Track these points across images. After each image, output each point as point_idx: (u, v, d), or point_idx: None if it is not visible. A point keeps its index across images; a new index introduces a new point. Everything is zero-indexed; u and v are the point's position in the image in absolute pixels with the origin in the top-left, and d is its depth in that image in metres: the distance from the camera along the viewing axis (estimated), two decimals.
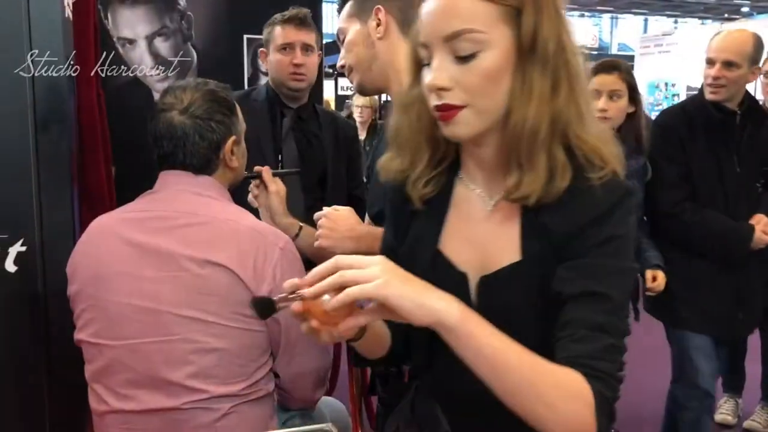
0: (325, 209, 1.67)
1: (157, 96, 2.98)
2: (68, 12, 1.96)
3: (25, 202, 1.69)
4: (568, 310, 1.01)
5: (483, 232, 1.12)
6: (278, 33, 2.38)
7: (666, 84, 8.89)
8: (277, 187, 1.82)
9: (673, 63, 8.77)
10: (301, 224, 1.82)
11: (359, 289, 0.86)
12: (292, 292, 0.90)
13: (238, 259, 1.41)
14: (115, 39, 2.98)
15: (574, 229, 1.03)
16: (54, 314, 1.70)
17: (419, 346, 1.19)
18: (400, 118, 1.15)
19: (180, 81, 1.54)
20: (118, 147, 2.62)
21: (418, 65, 1.10)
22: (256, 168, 1.81)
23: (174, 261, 1.41)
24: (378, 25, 1.62)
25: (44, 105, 1.71)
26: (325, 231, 1.63)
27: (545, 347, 0.98)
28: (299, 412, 1.69)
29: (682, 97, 8.61)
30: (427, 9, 1.04)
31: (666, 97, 8.91)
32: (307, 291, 0.89)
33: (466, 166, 1.16)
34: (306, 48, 2.38)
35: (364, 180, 2.49)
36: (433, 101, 1.04)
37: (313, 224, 1.69)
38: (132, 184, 1.63)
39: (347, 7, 1.70)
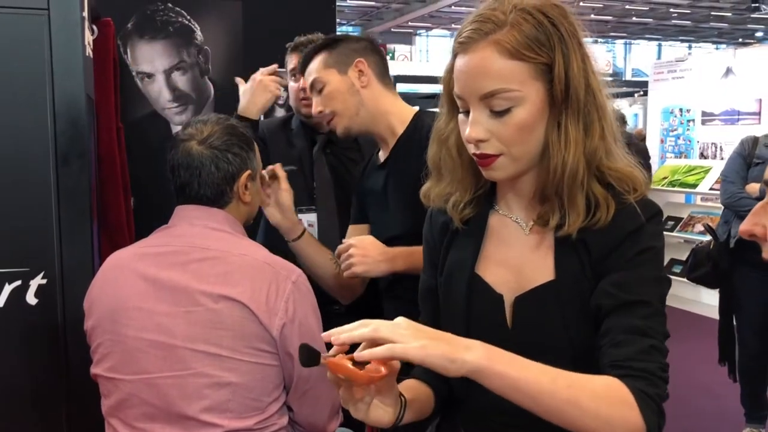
0: (347, 240, 1.76)
1: (175, 129, 3.04)
2: (89, 50, 2.02)
3: (46, 235, 1.73)
4: (609, 320, 1.06)
5: (518, 255, 1.17)
6: (288, 60, 2.41)
7: (681, 110, 8.87)
8: (288, 185, 1.90)
9: (688, 88, 8.77)
10: (305, 228, 1.92)
11: (402, 349, 0.91)
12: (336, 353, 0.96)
13: (251, 294, 1.43)
14: (134, 73, 3.04)
15: (612, 244, 1.09)
16: (73, 346, 1.73)
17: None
18: (440, 150, 1.22)
19: (202, 116, 1.59)
20: (137, 179, 2.67)
21: (452, 103, 1.16)
22: (269, 167, 1.88)
23: (188, 296, 1.43)
24: (361, 75, 1.79)
25: (65, 140, 1.75)
26: (358, 258, 1.71)
27: (579, 363, 1.02)
28: None
29: (697, 123, 8.60)
30: (460, 67, 1.10)
31: (681, 123, 8.90)
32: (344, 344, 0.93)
33: (502, 194, 1.22)
34: None
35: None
36: (472, 150, 1.12)
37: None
38: (150, 215, 1.67)
39: (320, 58, 1.83)
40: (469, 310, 1.17)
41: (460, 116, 1.13)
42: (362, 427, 2.23)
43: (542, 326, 1.12)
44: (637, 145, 2.38)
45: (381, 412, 1.03)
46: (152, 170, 2.29)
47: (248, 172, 1.56)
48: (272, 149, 2.34)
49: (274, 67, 2.38)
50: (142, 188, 2.77)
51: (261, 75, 2.29)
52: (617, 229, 1.09)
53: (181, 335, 1.42)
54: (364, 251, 1.71)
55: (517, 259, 1.17)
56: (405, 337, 0.91)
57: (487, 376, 0.93)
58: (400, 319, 0.95)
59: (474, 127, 1.09)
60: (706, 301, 6.44)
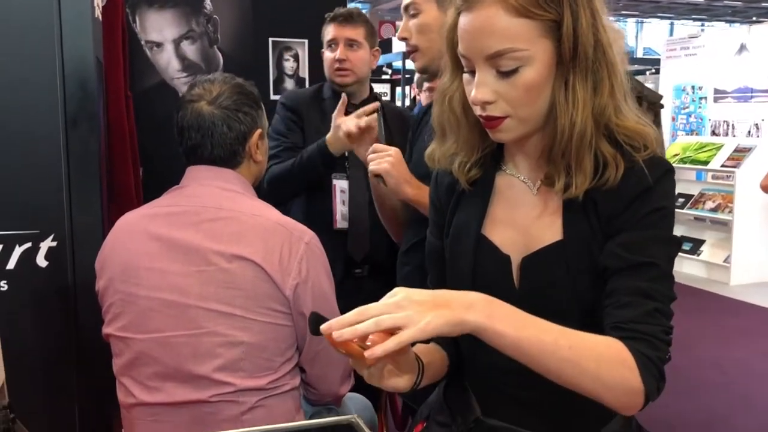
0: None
1: None
2: (98, 13, 2.00)
3: (56, 198, 1.72)
4: (615, 281, 1.04)
5: (525, 216, 1.14)
6: (325, 31, 2.42)
7: (693, 87, 8.78)
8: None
9: (700, 66, 8.66)
10: None
11: (409, 336, 0.88)
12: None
13: (264, 254, 1.42)
14: (143, 42, 3.01)
15: (622, 204, 1.06)
16: (83, 308, 1.72)
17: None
18: (444, 109, 1.18)
19: (207, 75, 1.56)
20: (145, 149, 2.66)
21: (457, 61, 1.12)
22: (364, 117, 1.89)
23: (201, 255, 1.42)
24: None
25: (74, 103, 1.74)
26: (390, 163, 1.71)
27: (586, 323, 1.01)
28: (325, 407, 1.69)
29: (709, 101, 8.51)
30: (464, 26, 1.06)
31: (693, 101, 8.81)
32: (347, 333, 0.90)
33: (509, 154, 1.18)
34: (350, 43, 2.37)
35: None
36: (478, 112, 1.08)
37: None
38: (159, 186, 1.65)
39: None
40: (476, 271, 1.15)
41: (465, 76, 1.09)
42: (375, 390, 2.24)
43: (550, 287, 1.10)
44: (648, 97, 2.27)
45: (397, 378, 1.01)
46: (161, 141, 2.27)
47: (259, 130, 1.54)
48: (307, 121, 2.37)
49: (374, 105, 2.02)
50: (150, 159, 2.76)
51: (354, 125, 1.96)
52: (627, 188, 1.06)
53: (194, 294, 1.41)
54: (399, 163, 1.72)
55: (524, 219, 1.14)
56: (408, 318, 0.88)
57: (488, 335, 0.92)
58: (399, 296, 0.91)
59: (480, 88, 1.05)
60: (714, 278, 6.42)
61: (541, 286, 1.10)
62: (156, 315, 1.43)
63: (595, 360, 0.95)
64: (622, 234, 1.05)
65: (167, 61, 3.08)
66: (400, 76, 8.43)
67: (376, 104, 1.98)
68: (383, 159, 1.72)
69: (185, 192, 1.51)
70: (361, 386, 1.72)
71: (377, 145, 1.77)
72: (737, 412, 3.58)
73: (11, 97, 1.69)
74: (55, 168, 1.71)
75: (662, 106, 2.50)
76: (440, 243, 1.24)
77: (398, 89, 8.40)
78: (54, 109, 1.72)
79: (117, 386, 1.51)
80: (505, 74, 1.03)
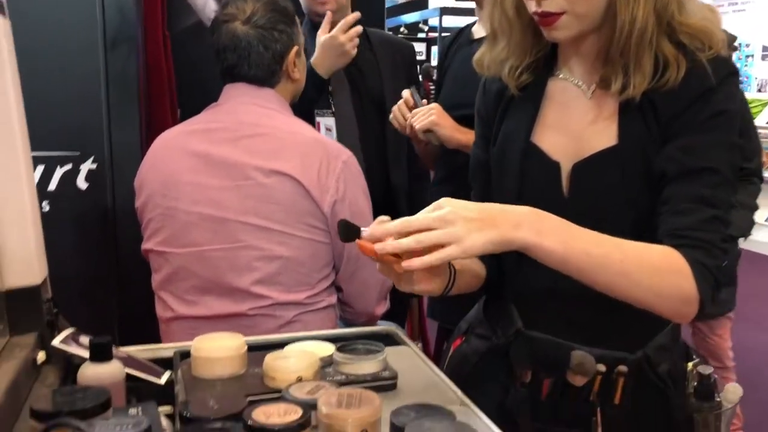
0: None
1: None
2: None
3: (95, 120, 1.73)
4: (672, 187, 1.00)
5: (578, 120, 1.10)
6: None
7: (740, 44, 8.50)
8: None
9: (748, 22, 8.38)
10: None
11: (450, 253, 0.87)
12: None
13: (302, 169, 1.41)
14: None
15: (682, 105, 1.01)
16: (123, 229, 1.74)
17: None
18: (496, 10, 1.13)
19: None
20: (183, 91, 2.65)
21: None
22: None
23: (240, 170, 1.41)
24: None
25: (113, 25, 1.73)
26: (435, 117, 1.71)
27: (639, 233, 0.98)
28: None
29: (756, 58, 8.25)
30: None
31: (739, 58, 8.54)
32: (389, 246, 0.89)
33: (563, 57, 1.14)
34: None
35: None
36: (533, 8, 1.03)
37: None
38: None
39: None
40: (523, 180, 1.11)
41: None
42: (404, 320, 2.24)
43: (601, 195, 1.06)
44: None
45: (428, 283, 0.99)
46: (198, 82, 2.26)
47: (296, 47, 1.52)
48: None
49: (355, 15, 2.05)
50: (187, 100, 2.75)
51: (342, 35, 1.98)
52: (688, 89, 1.01)
53: (233, 208, 1.40)
54: (443, 115, 1.72)
55: (577, 124, 1.10)
56: (452, 235, 0.86)
57: (536, 251, 0.90)
58: (446, 209, 0.88)
59: None
60: (758, 238, 6.28)
61: (592, 193, 1.06)
62: (194, 229, 1.43)
63: (648, 272, 0.93)
64: (682, 138, 1.01)
65: (204, 2, 3.05)
66: (436, 34, 8.30)
67: (356, 14, 1.95)
68: (427, 115, 1.71)
69: (223, 109, 1.50)
70: (391, 314, 1.72)
71: (417, 110, 1.76)
72: None
73: (50, 20, 1.69)
74: (94, 89, 1.72)
75: (736, 48, 2.42)
76: (485, 155, 1.21)
77: (434, 48, 8.28)
78: (93, 32, 1.72)
79: (156, 301, 1.52)
80: None
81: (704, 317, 2.48)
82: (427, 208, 0.90)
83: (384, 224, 0.91)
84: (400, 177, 2.20)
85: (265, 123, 1.46)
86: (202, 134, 1.47)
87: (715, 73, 1.00)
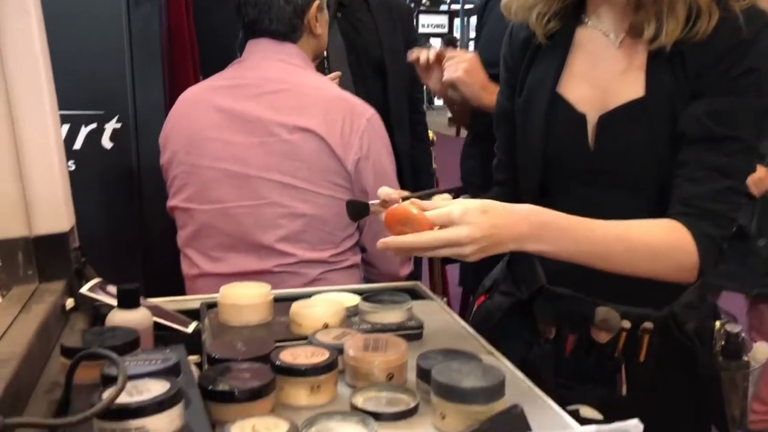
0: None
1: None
2: None
3: (120, 80, 1.73)
4: (691, 150, 0.99)
5: (605, 71, 1.08)
6: None
7: None
8: None
9: None
10: None
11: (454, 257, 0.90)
12: (385, 202, 0.96)
13: (326, 126, 1.40)
14: None
15: (712, 58, 0.98)
16: (148, 188, 1.75)
17: None
18: None
19: None
20: (204, 57, 2.63)
21: None
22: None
23: (264, 126, 1.41)
24: None
25: None
26: (466, 69, 1.57)
27: (663, 187, 0.99)
28: None
29: None
30: None
31: None
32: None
33: (592, 5, 1.11)
34: None
35: None
36: None
37: None
38: None
39: None
40: (548, 132, 1.10)
41: None
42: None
43: (627, 148, 1.04)
44: None
45: None
46: (219, 48, 2.24)
47: (317, 2, 1.50)
48: None
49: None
50: (209, 65, 2.74)
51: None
52: (719, 40, 0.98)
53: (256, 165, 1.40)
54: (475, 69, 1.58)
55: (604, 75, 1.08)
56: (461, 255, 0.89)
57: (543, 255, 0.96)
58: (463, 233, 0.87)
59: None
60: None
61: (617, 146, 1.05)
62: (219, 186, 1.43)
63: (650, 257, 0.97)
64: (710, 97, 0.98)
65: None
66: (458, 6, 8.23)
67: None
68: (458, 66, 1.60)
69: (246, 65, 1.49)
70: (414, 276, 1.71)
71: (454, 52, 1.66)
72: None
73: None
74: (117, 50, 1.72)
75: None
76: (510, 104, 1.19)
77: (456, 20, 8.22)
78: None
79: (182, 259, 1.53)
80: None
81: None
82: (442, 213, 0.89)
83: (397, 239, 0.91)
84: (404, 139, 2.16)
85: (288, 79, 1.45)
86: (227, 90, 1.47)
87: (749, 25, 0.97)
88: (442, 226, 0.88)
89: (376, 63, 2.17)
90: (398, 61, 2.25)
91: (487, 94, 1.63)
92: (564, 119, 1.09)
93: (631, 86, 1.04)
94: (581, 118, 1.08)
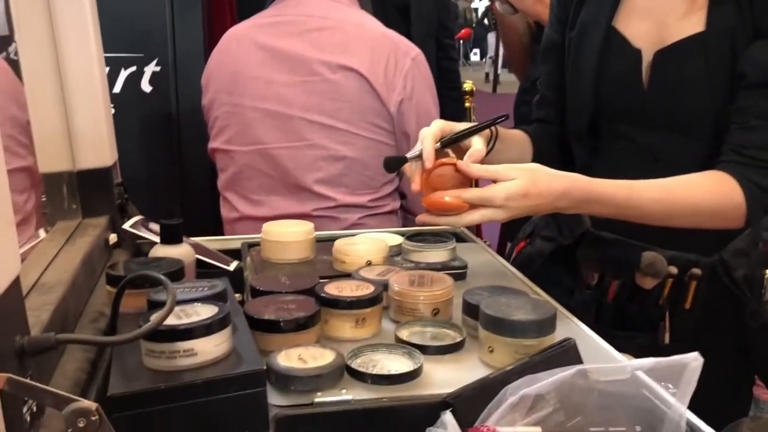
0: None
1: None
2: None
3: (159, 23, 1.72)
4: (748, 96, 0.96)
5: (666, 4, 1.03)
6: None
7: None
8: None
9: None
10: None
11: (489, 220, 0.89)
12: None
13: (370, 65, 1.37)
14: None
15: None
16: (186, 132, 1.74)
17: None
18: None
19: None
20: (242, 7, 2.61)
21: None
22: None
23: (306, 65, 1.39)
24: None
25: None
26: None
27: (719, 130, 0.96)
28: None
29: None
30: None
31: None
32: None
33: None
34: None
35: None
36: None
37: None
38: None
39: None
40: (601, 68, 1.06)
41: None
42: None
43: (683, 87, 1.00)
44: None
45: None
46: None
47: None
48: None
49: None
50: (245, 9, 2.71)
51: None
52: None
53: (298, 105, 1.38)
54: None
55: (663, 8, 1.03)
56: (497, 217, 0.88)
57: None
58: (502, 193, 0.86)
59: None
60: None
61: (673, 84, 1.01)
62: (260, 126, 1.41)
63: (692, 213, 0.96)
64: None
65: None
66: None
67: None
68: None
69: (291, 2, 1.46)
70: None
71: None
72: None
73: None
74: None
75: None
76: (560, 38, 1.15)
77: None
78: None
79: (221, 203, 1.53)
80: None
81: None
82: (485, 197, 0.87)
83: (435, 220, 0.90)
84: None
85: (332, 16, 1.42)
86: (269, 27, 1.44)
87: None
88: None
89: (402, 8, 2.14)
90: (423, 4, 2.21)
91: (542, 6, 1.59)
92: (618, 55, 1.05)
93: (692, 21, 1.00)
94: (637, 54, 1.04)
